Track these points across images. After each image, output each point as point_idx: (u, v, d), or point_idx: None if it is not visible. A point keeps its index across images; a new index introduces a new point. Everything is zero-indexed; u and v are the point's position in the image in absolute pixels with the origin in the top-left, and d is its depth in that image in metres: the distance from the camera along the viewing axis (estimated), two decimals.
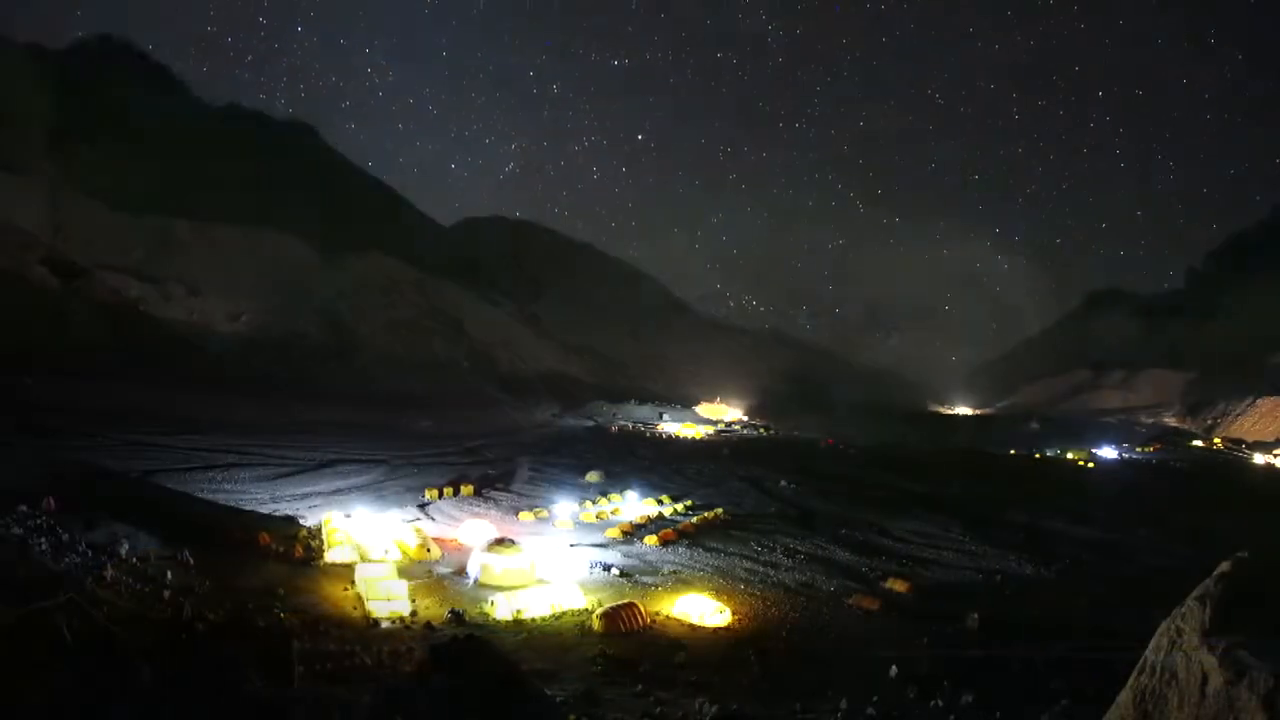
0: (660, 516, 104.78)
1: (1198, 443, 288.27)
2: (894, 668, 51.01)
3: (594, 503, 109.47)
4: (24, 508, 59.83)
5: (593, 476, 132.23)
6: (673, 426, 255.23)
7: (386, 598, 56.65)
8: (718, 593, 67.95)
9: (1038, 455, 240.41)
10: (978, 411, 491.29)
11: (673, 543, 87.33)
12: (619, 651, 50.88)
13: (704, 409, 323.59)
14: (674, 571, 75.44)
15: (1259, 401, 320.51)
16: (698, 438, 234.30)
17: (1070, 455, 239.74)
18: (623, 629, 54.87)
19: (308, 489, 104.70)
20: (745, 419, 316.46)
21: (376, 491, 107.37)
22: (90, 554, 53.96)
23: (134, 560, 55.93)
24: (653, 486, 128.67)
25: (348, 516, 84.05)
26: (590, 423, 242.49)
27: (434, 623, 54.41)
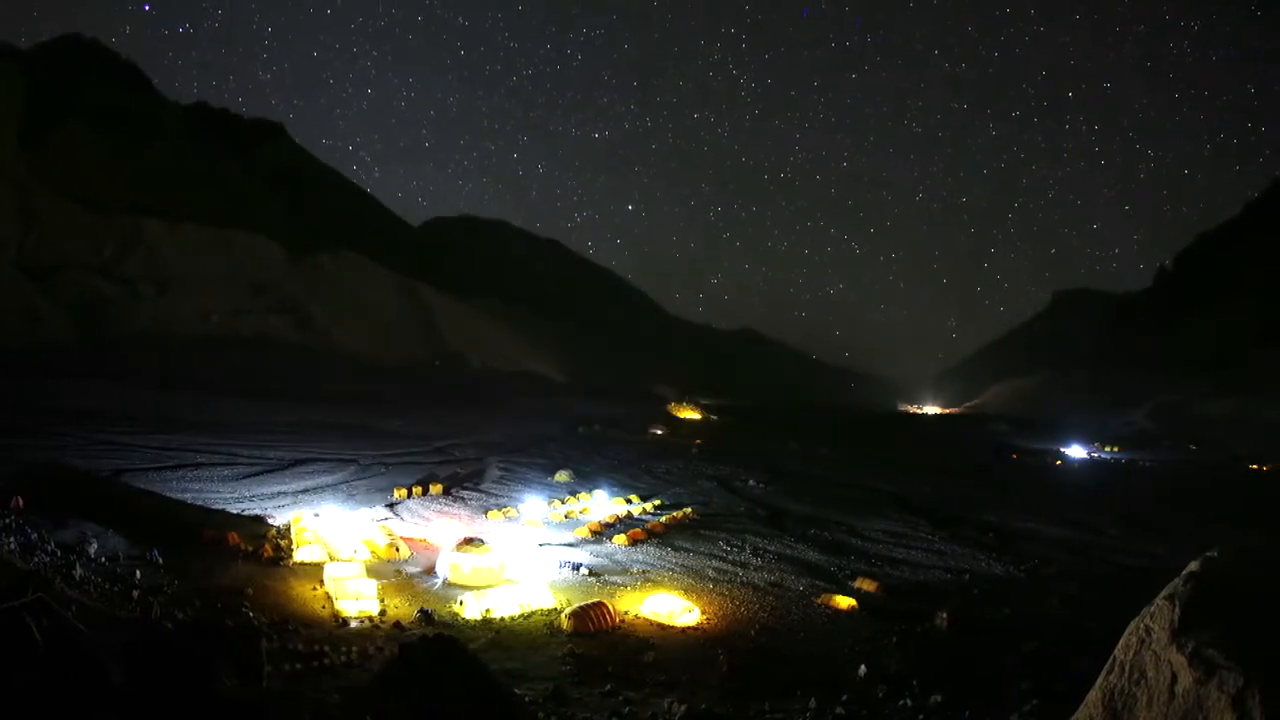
0: (629, 516, 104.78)
1: (1166, 442, 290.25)
2: (863, 667, 51.14)
3: (563, 502, 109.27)
4: None
5: (562, 476, 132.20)
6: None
7: (355, 597, 56.40)
8: (687, 592, 67.95)
9: (1008, 455, 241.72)
10: (947, 411, 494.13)
11: (642, 542, 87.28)
12: (588, 651, 50.85)
13: (674, 409, 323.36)
14: (643, 571, 75.38)
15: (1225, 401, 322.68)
16: (667, 437, 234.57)
17: (1039, 455, 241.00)
18: (592, 628, 54.82)
19: (277, 488, 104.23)
20: (715, 418, 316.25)
21: (346, 491, 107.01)
22: (59, 553, 53.65)
23: (103, 560, 55.66)
24: (622, 485, 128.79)
25: (316, 516, 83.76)
26: (560, 422, 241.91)
27: (403, 622, 54.25)
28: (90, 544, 57.02)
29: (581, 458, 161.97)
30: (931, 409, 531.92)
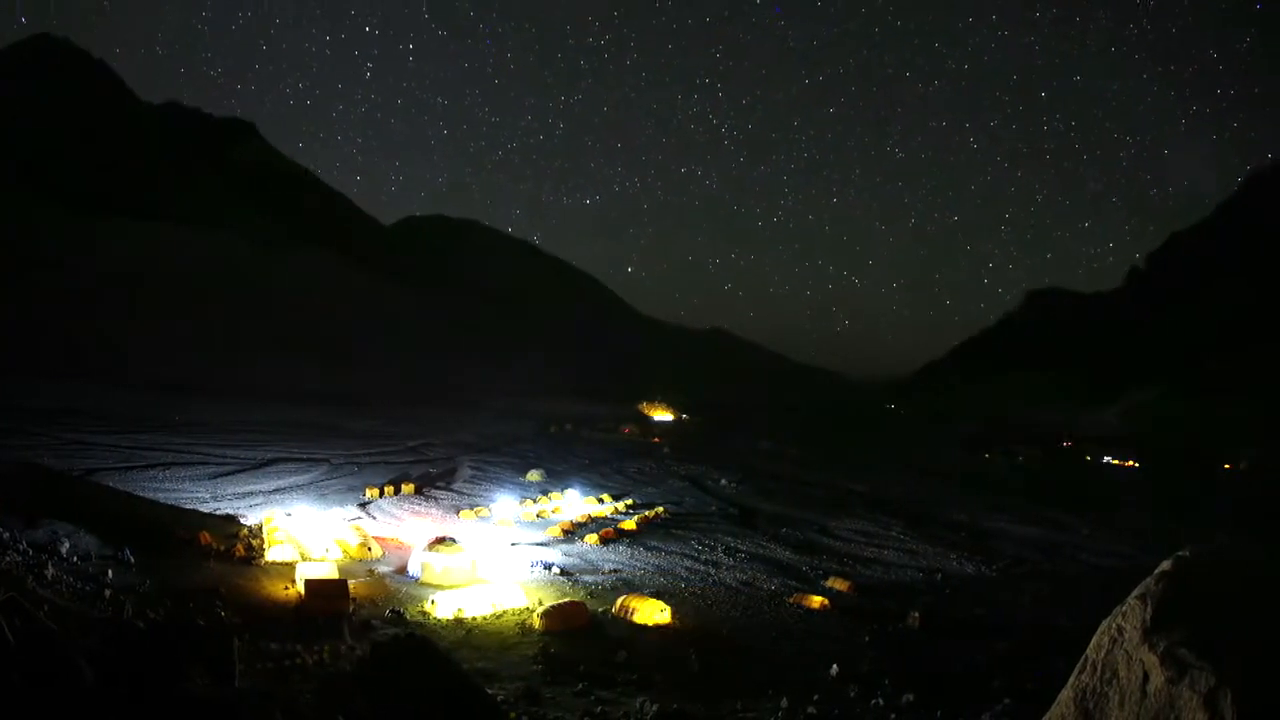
0: (601, 515, 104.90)
1: (1137, 440, 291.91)
2: (835, 666, 51.14)
3: (535, 501, 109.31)
4: None
5: (534, 475, 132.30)
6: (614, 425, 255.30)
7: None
8: (659, 591, 67.97)
9: (979, 454, 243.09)
10: (920, 410, 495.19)
11: (613, 541, 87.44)
12: (560, 650, 50.72)
13: (646, 408, 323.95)
14: (615, 570, 75.44)
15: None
16: (638, 437, 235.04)
17: (1011, 454, 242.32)
18: (564, 628, 54.73)
19: (249, 488, 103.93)
20: (686, 417, 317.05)
21: (317, 490, 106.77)
22: (31, 553, 53.23)
23: (75, 559, 55.23)
24: (593, 485, 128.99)
25: (288, 515, 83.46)
26: (531, 421, 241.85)
27: (374, 622, 54.06)
28: (62, 543, 56.58)
29: (553, 457, 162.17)
30: (905, 408, 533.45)
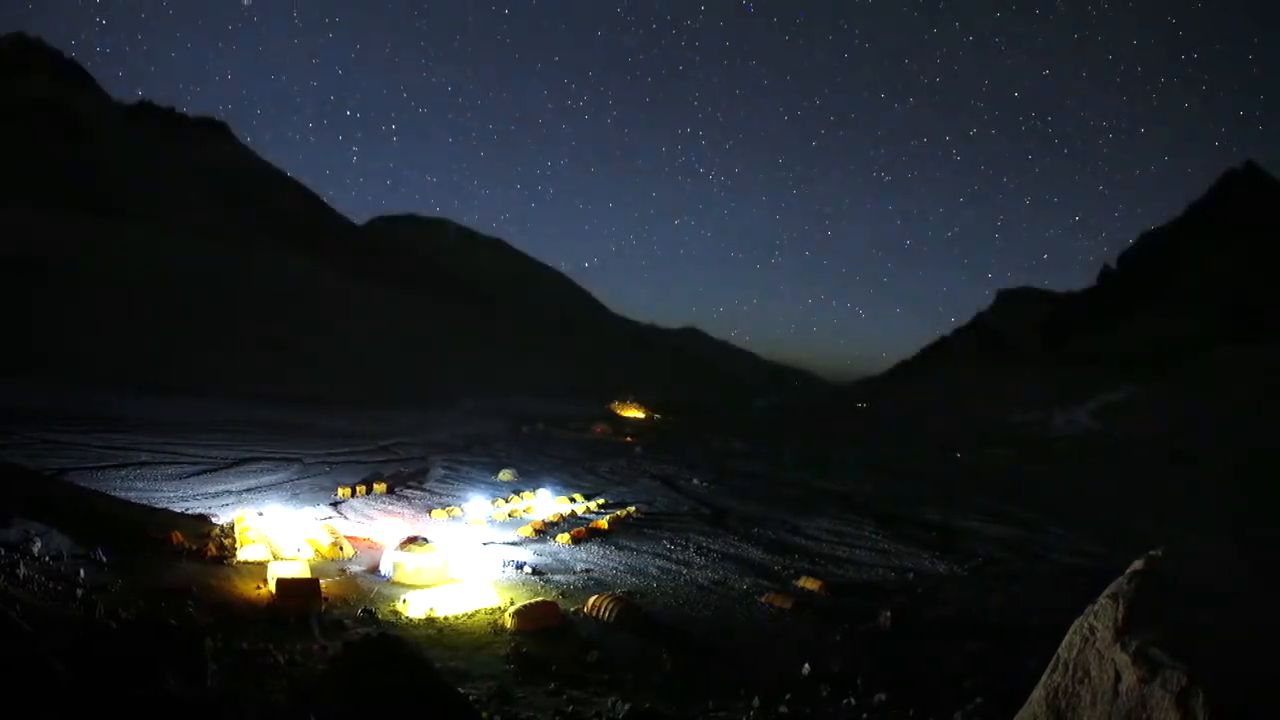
0: (573, 514, 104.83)
1: (1110, 440, 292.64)
2: (806, 666, 51.16)
3: (507, 500, 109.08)
4: None
5: (505, 474, 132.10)
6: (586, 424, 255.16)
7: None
8: (631, 591, 67.90)
9: (951, 453, 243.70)
10: (892, 410, 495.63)
11: (585, 541, 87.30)
12: (532, 650, 50.61)
13: (618, 407, 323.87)
14: (586, 570, 75.36)
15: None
16: (611, 436, 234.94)
17: (983, 453, 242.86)
18: (536, 627, 54.64)
19: (221, 487, 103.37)
20: (659, 416, 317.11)
21: (289, 489, 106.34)
22: (3, 552, 52.90)
23: (47, 558, 54.89)
24: (565, 484, 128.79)
25: (260, 515, 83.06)
26: (503, 421, 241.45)
27: (346, 621, 53.85)
28: (34, 543, 56.19)
29: (525, 456, 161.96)
30: (875, 407, 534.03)
